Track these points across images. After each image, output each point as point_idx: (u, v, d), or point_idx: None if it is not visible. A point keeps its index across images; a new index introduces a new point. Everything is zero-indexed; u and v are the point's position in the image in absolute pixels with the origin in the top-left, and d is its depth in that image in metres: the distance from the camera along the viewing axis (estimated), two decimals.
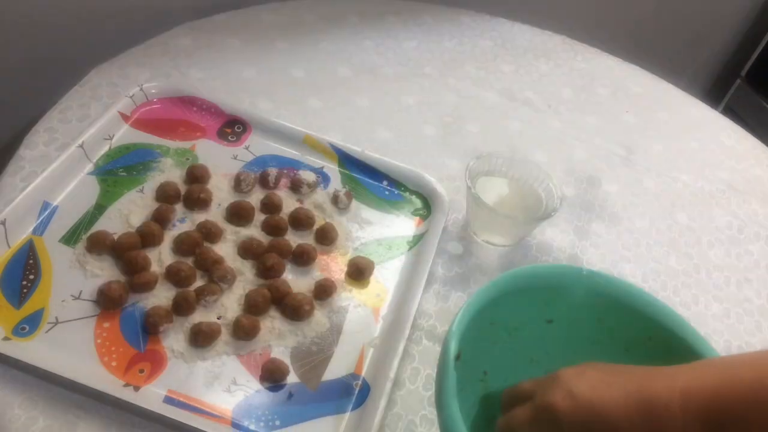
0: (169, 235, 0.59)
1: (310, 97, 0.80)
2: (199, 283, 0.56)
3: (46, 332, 0.50)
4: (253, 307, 0.55)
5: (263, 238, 0.61)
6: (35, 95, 0.72)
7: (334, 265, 0.62)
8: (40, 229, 0.57)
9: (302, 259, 0.60)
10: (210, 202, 0.63)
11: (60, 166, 0.60)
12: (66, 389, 0.47)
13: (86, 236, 0.57)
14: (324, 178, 0.69)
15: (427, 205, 0.69)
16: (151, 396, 0.48)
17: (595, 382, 0.39)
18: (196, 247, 0.58)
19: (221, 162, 0.67)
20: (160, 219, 0.59)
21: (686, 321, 0.50)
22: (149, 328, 0.52)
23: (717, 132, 0.96)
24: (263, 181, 0.66)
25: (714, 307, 0.70)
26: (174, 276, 0.55)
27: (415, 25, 0.99)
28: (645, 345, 0.51)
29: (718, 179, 0.87)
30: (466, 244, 0.68)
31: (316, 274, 0.60)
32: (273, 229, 0.62)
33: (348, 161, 0.71)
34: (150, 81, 0.73)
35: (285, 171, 0.68)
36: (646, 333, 0.50)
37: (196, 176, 0.64)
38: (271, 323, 0.55)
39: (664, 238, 0.76)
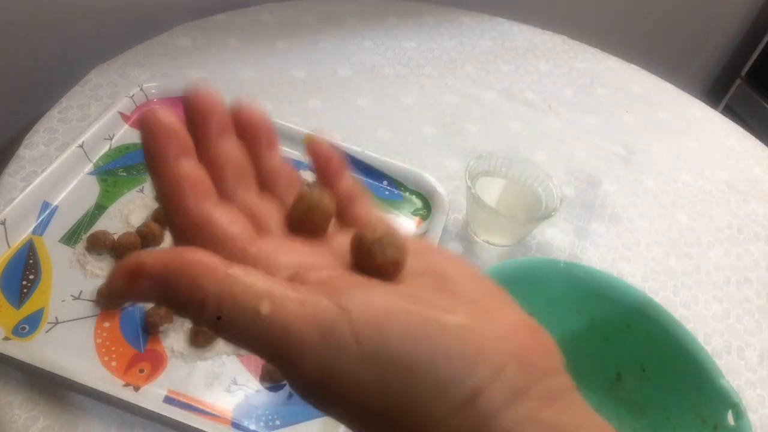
0: (169, 235, 0.59)
1: (310, 97, 0.80)
2: None
3: (46, 332, 0.50)
4: None
5: None
6: (35, 95, 0.72)
7: None
8: (40, 229, 0.57)
9: None
10: None
11: (60, 166, 0.60)
12: (66, 389, 0.47)
13: (86, 236, 0.57)
14: None
15: (427, 205, 0.69)
16: (151, 396, 0.48)
17: None
18: None
19: None
20: (160, 219, 0.59)
21: (663, 307, 0.50)
22: (149, 328, 0.52)
23: (717, 132, 0.96)
24: None
25: (714, 307, 0.70)
26: None
27: (415, 25, 0.99)
28: (624, 334, 0.51)
29: (718, 179, 0.87)
30: (466, 244, 0.68)
31: None
32: None
33: (348, 161, 0.71)
34: (150, 81, 0.73)
35: None
36: (624, 321, 0.51)
37: None
38: None
39: (664, 238, 0.76)
